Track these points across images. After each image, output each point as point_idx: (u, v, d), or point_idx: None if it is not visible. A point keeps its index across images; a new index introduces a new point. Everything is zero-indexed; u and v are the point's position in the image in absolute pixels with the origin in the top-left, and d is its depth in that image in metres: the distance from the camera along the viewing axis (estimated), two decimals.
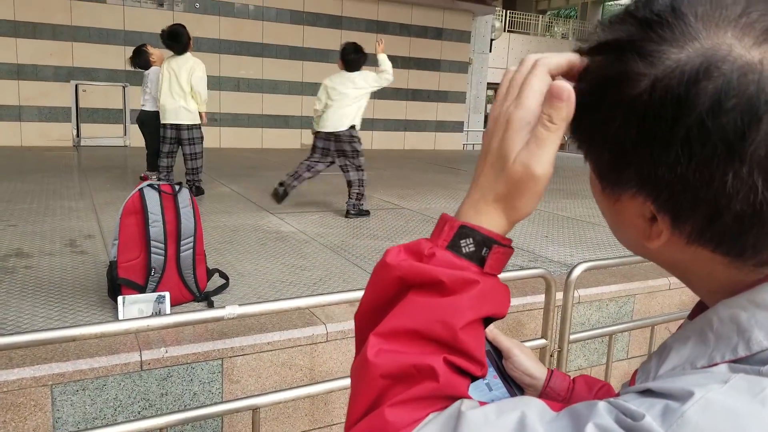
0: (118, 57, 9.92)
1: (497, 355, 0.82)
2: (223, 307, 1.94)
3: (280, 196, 4.98)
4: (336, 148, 4.89)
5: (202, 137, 5.64)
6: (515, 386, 0.81)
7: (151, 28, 10.04)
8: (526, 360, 0.82)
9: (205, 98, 5.51)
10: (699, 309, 0.53)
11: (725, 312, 0.46)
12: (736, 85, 0.39)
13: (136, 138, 10.15)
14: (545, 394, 0.81)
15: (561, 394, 0.82)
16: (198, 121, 5.56)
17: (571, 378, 0.83)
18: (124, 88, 10.00)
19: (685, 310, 3.56)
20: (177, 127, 5.53)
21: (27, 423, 2.03)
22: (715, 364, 0.44)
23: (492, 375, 0.80)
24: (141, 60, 6.35)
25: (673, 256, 0.49)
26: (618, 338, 3.12)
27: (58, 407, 2.05)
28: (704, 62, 0.40)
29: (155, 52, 6.32)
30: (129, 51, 9.86)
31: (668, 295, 3.58)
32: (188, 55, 5.52)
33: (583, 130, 0.49)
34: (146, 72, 6.30)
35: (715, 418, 0.38)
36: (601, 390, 0.81)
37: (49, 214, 4.58)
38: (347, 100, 4.87)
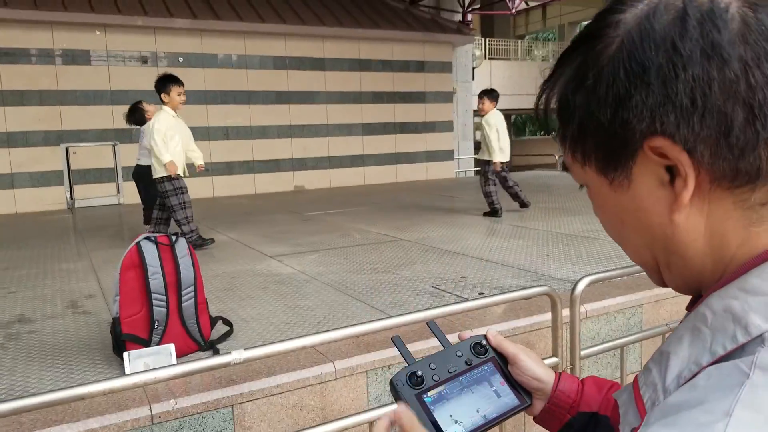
0: (106, 117, 10.05)
1: (503, 361, 0.82)
2: (229, 353, 1.94)
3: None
4: None
5: (174, 189, 5.46)
6: (523, 392, 0.81)
7: (137, 86, 10.21)
8: (532, 364, 0.81)
9: (158, 150, 5.31)
10: (692, 305, 0.54)
11: (718, 304, 0.47)
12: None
13: (129, 195, 10.21)
14: (555, 397, 0.81)
15: (571, 396, 0.81)
16: (161, 174, 5.41)
17: (580, 380, 0.83)
18: (114, 146, 10.10)
19: None
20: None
21: None
22: (721, 357, 0.44)
23: (499, 382, 0.80)
24: (136, 116, 6.49)
25: (694, 222, 0.48)
26: (630, 350, 3.10)
27: None
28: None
29: (150, 108, 6.43)
30: (116, 110, 10.05)
31: (675, 302, 3.57)
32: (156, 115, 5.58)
33: (574, 131, 0.51)
34: (142, 128, 6.37)
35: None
36: (611, 389, 0.81)
37: (48, 278, 4.57)
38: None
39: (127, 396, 2.18)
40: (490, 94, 6.92)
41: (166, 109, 5.49)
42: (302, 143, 11.54)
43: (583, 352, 2.79)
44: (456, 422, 0.74)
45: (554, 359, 2.71)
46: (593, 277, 2.80)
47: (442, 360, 0.79)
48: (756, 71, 0.43)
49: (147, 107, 6.48)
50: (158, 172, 5.43)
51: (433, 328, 0.88)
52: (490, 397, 0.78)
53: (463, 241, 5.33)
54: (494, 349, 0.82)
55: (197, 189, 10.63)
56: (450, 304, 2.45)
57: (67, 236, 6.91)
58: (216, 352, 2.67)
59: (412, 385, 0.75)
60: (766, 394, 0.40)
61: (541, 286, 2.68)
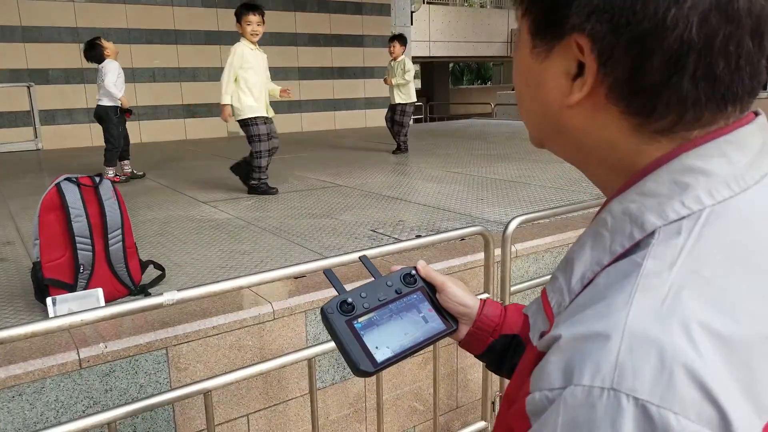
0: (19, 55, 9.28)
1: (432, 291, 0.87)
2: (161, 294, 1.88)
3: None
4: None
5: (252, 136, 5.10)
6: (450, 318, 0.86)
7: (52, 22, 9.45)
8: (459, 291, 0.86)
9: (222, 87, 5.05)
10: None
11: (617, 209, 0.49)
12: None
13: (48, 140, 9.59)
14: (479, 320, 0.86)
15: (494, 320, 0.86)
16: (241, 117, 5.03)
17: (504, 306, 0.87)
18: (29, 88, 9.38)
19: None
20: None
21: None
22: (620, 255, 0.47)
23: (427, 309, 0.84)
24: (95, 53, 6.08)
25: (582, 122, 0.51)
26: None
27: None
28: None
29: (109, 45, 6.11)
30: (31, 48, 9.29)
31: None
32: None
33: None
34: (100, 66, 6.05)
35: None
36: None
37: None
38: None
39: (53, 341, 2.10)
40: (402, 39, 7.44)
41: (243, 41, 5.00)
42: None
43: (512, 288, 2.90)
44: (386, 346, 0.76)
45: (485, 295, 2.81)
46: (523, 218, 2.89)
47: (373, 289, 0.82)
48: (690, 25, 0.43)
49: (106, 44, 6.09)
50: (238, 114, 4.94)
51: (365, 261, 0.91)
52: (418, 322, 0.82)
53: (401, 187, 5.36)
54: (423, 280, 0.86)
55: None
56: (387, 244, 2.47)
57: None
58: (147, 296, 2.59)
59: (343, 312, 0.78)
60: (659, 280, 0.42)
61: (475, 226, 2.74)
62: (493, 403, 2.94)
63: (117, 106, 6.09)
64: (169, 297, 1.89)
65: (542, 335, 0.51)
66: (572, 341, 0.43)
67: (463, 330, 0.87)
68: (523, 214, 2.86)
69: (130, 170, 6.30)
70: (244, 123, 5.01)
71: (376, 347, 0.77)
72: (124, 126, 6.24)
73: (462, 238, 3.18)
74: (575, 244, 0.53)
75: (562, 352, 0.43)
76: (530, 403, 0.44)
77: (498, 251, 2.81)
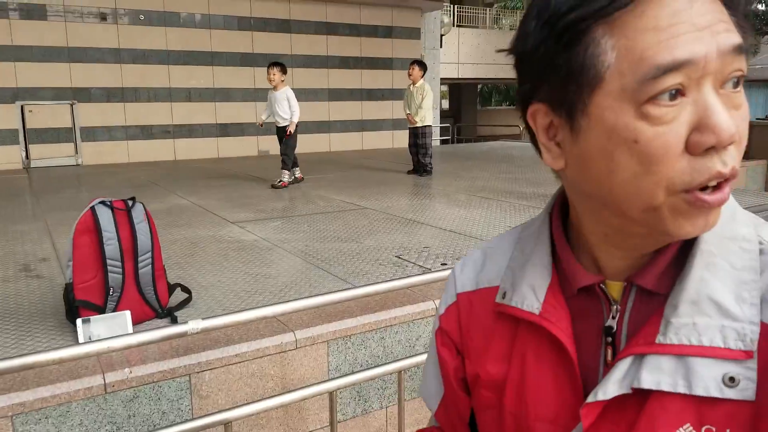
0: (64, 74, 9.63)
1: None
2: (186, 322, 1.91)
3: None
4: None
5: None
6: None
7: (96, 44, 9.80)
8: None
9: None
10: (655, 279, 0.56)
11: (713, 240, 0.54)
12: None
13: (88, 156, 9.89)
14: None
15: None
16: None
17: None
18: (72, 105, 9.71)
19: None
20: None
21: None
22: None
23: None
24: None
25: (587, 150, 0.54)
26: None
27: None
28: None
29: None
30: (74, 68, 9.64)
31: None
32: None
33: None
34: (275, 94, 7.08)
35: None
36: None
37: (0, 240, 4.41)
38: None
39: (80, 364, 2.14)
40: (421, 64, 7.74)
41: None
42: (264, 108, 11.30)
43: None
44: None
45: None
46: None
47: None
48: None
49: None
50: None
51: None
52: None
53: (426, 211, 5.35)
54: None
55: (158, 152, 10.37)
56: (414, 275, 2.46)
57: (21, 197, 6.67)
58: (174, 320, 2.63)
59: None
60: None
61: None
62: None
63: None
64: (193, 326, 1.93)
65: (731, 378, 0.50)
66: None
67: None
68: None
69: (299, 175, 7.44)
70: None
71: None
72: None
73: None
74: (691, 286, 0.53)
75: None
76: None
77: None
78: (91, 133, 9.96)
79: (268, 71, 6.90)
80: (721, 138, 0.47)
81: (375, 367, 2.35)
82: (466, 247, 4.01)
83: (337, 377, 2.24)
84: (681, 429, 0.51)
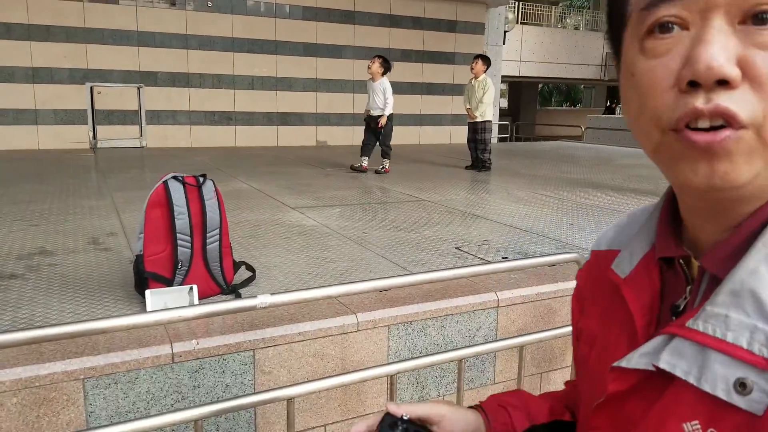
0: (132, 58, 9.96)
1: (426, 429, 0.71)
2: (255, 296, 1.91)
3: None
4: None
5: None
6: None
7: (164, 29, 10.09)
8: (457, 412, 0.73)
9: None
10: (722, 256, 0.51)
11: None
12: None
13: (152, 138, 10.21)
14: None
15: (506, 424, 0.75)
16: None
17: (495, 405, 0.77)
18: (138, 89, 10.04)
19: None
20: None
21: (60, 417, 2.00)
22: None
23: None
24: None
25: None
26: None
27: (91, 401, 2.02)
28: None
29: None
30: (143, 52, 9.96)
31: None
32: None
33: None
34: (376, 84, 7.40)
35: None
36: (527, 399, 0.79)
37: (70, 213, 4.59)
38: None
39: (149, 333, 2.18)
40: (485, 59, 7.69)
41: None
42: (327, 98, 11.38)
43: None
44: None
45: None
46: None
47: None
48: None
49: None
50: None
51: None
52: None
53: (485, 206, 5.26)
54: (409, 422, 0.71)
55: (219, 138, 10.61)
56: (475, 264, 2.40)
57: (89, 175, 6.93)
58: (238, 297, 2.65)
59: None
60: None
61: (570, 252, 2.61)
62: None
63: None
64: (262, 300, 1.92)
65: (742, 383, 0.45)
66: None
67: None
68: None
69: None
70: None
71: None
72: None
73: (553, 264, 3.05)
74: (733, 278, 0.47)
75: None
76: None
77: None
78: (156, 117, 10.28)
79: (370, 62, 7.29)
80: (694, 69, 0.44)
81: (436, 353, 2.30)
82: (526, 242, 3.90)
83: (398, 361, 2.20)
84: (689, 424, 0.48)
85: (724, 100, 0.44)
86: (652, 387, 0.52)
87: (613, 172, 8.11)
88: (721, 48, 0.43)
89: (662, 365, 0.50)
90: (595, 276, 0.69)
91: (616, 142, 13.39)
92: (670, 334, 0.51)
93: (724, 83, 0.44)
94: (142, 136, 10.22)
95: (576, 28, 23.80)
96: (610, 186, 6.63)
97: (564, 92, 34.36)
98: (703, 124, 0.45)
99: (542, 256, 2.53)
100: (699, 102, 0.44)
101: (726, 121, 0.44)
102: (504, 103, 23.81)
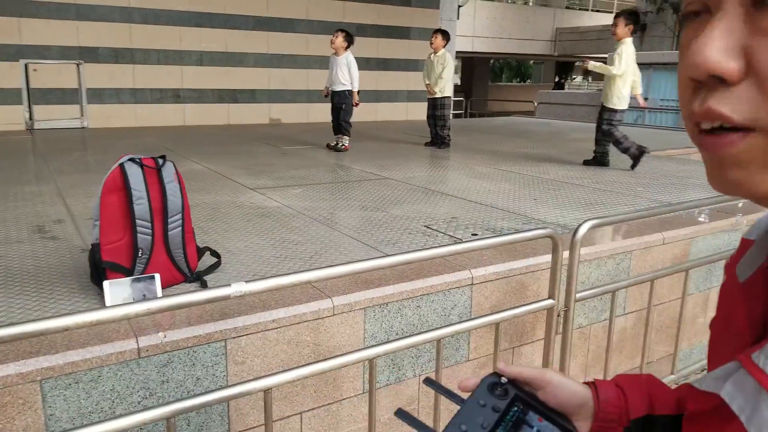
0: (71, 33, 9.37)
1: (527, 394, 0.70)
2: (229, 285, 1.79)
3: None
4: None
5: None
6: (563, 420, 0.69)
7: (105, 1, 9.51)
8: (565, 380, 0.69)
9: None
10: None
11: None
12: None
13: (94, 118, 9.69)
14: (602, 411, 0.69)
15: (618, 406, 0.69)
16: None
17: (614, 383, 0.72)
18: (78, 66, 9.48)
19: (678, 263, 3.55)
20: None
21: (15, 423, 1.85)
22: None
23: (537, 419, 0.67)
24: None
25: None
26: (617, 294, 3.08)
27: (50, 404, 1.87)
28: None
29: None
30: (82, 26, 9.38)
31: (662, 250, 3.56)
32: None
33: None
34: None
35: None
36: (654, 384, 0.72)
37: (10, 201, 4.28)
38: None
39: (111, 328, 2.03)
40: (445, 34, 7.63)
41: None
42: (281, 74, 11.05)
43: (578, 295, 2.75)
44: None
45: (550, 301, 2.66)
46: (595, 222, 2.73)
47: (469, 416, 0.67)
48: None
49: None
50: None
51: (433, 386, 0.78)
52: None
53: (449, 182, 5.22)
54: (513, 384, 0.70)
55: (167, 116, 10.18)
56: (448, 244, 2.35)
57: (27, 158, 6.51)
58: (204, 285, 2.52)
59: None
60: None
61: (542, 228, 2.59)
62: None
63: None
64: (237, 288, 1.80)
65: None
66: None
67: (583, 427, 0.70)
68: (594, 218, 2.70)
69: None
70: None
71: None
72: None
73: (528, 240, 3.03)
74: None
75: None
76: None
77: (565, 254, 2.67)
78: (98, 95, 9.74)
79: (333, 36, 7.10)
80: (686, 64, 0.40)
81: (415, 335, 2.25)
82: (494, 218, 3.88)
83: (377, 344, 2.13)
84: None
85: (715, 100, 0.38)
86: (722, 415, 0.45)
87: (567, 145, 8.22)
88: (719, 37, 0.37)
89: (722, 394, 0.45)
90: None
91: (566, 116, 13.61)
92: (738, 362, 0.45)
93: (721, 79, 0.37)
94: (83, 116, 9.68)
95: (526, 3, 23.96)
96: (566, 160, 6.71)
97: (514, 68, 34.68)
98: (706, 126, 0.40)
99: (517, 232, 2.50)
100: (696, 102, 0.39)
101: (724, 123, 0.38)
102: (457, 80, 23.86)
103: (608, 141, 6.07)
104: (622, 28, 5.68)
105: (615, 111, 5.86)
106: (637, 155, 5.92)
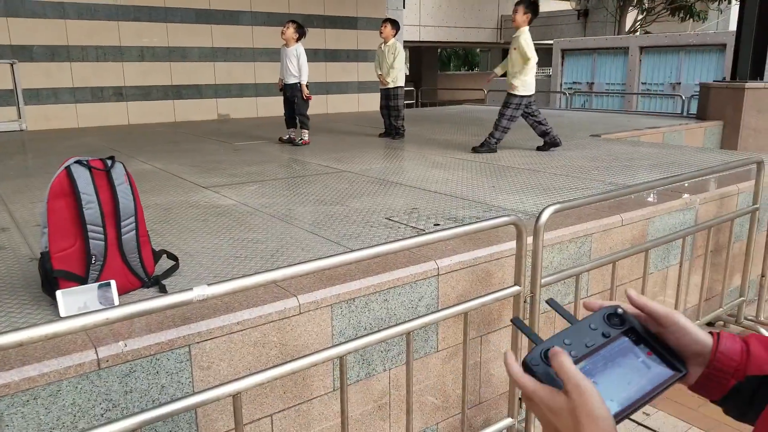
0: (1, 30, 8.89)
1: (644, 330, 0.73)
2: (191, 289, 1.73)
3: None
4: None
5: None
6: (675, 359, 0.71)
7: None
8: (691, 325, 0.71)
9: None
10: None
11: None
12: None
13: (32, 120, 9.24)
14: (716, 360, 0.70)
15: (735, 359, 0.70)
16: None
17: (744, 339, 0.72)
18: (12, 65, 9.00)
19: (637, 245, 3.65)
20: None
21: None
22: None
23: (645, 352, 0.71)
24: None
25: None
26: (581, 277, 3.14)
27: (7, 422, 1.77)
28: None
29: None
30: (13, 22, 8.89)
31: (621, 231, 3.65)
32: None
33: None
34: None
35: None
36: None
37: None
38: None
39: (68, 339, 1.93)
40: (394, 23, 7.56)
41: None
42: (226, 68, 10.79)
43: (543, 281, 2.79)
44: (609, 399, 0.64)
45: (517, 287, 2.70)
46: (557, 207, 2.78)
47: (576, 335, 0.71)
48: None
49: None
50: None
51: (554, 305, 0.80)
52: (639, 369, 0.69)
53: (406, 173, 5.21)
54: (632, 319, 0.74)
55: (110, 115, 9.80)
56: (412, 236, 2.34)
57: None
58: (162, 289, 2.43)
59: (549, 364, 0.67)
60: None
61: (505, 216, 2.61)
62: (520, 399, 2.83)
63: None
64: (199, 292, 1.74)
65: None
66: None
67: (694, 372, 0.73)
68: (556, 203, 2.75)
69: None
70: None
71: None
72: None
73: (493, 228, 3.05)
74: None
75: None
76: None
77: (529, 240, 2.70)
78: (35, 96, 9.29)
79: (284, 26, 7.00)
80: None
81: (385, 329, 2.24)
82: (454, 207, 3.90)
83: (346, 341, 2.11)
84: None
85: None
86: None
87: (519, 132, 8.33)
88: None
89: None
90: None
91: None
92: None
93: None
94: (20, 118, 9.21)
95: None
96: (521, 146, 6.81)
97: (462, 56, 34.98)
98: None
99: (480, 221, 2.51)
100: None
101: None
102: (407, 70, 23.90)
103: (544, 124, 6.26)
104: (521, 16, 5.93)
105: (521, 97, 6.13)
106: (492, 145, 6.30)
